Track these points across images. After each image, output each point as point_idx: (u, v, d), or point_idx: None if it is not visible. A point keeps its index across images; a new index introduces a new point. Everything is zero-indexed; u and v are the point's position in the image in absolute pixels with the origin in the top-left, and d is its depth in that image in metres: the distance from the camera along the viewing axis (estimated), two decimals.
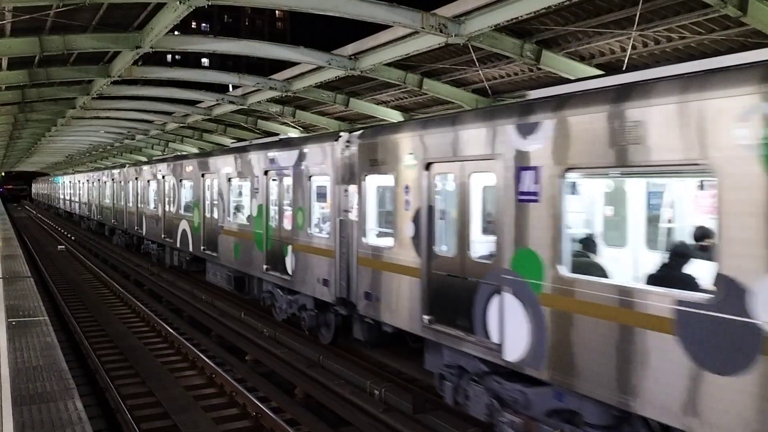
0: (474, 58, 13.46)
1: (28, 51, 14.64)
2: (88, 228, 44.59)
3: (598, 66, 13.39)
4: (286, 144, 14.31)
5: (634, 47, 11.82)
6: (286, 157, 13.78)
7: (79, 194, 48.12)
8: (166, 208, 23.19)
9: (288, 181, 13.84)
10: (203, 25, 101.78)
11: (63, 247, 33.05)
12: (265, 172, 14.65)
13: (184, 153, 29.99)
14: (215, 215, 18.18)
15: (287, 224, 13.89)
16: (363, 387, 10.61)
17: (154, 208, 25.16)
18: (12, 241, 25.48)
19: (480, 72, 14.59)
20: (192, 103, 25.49)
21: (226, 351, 13.68)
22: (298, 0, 11.88)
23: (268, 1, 12.59)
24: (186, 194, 21.52)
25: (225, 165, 17.34)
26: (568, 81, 9.61)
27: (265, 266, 14.59)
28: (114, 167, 36.37)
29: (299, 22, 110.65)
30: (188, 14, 12.10)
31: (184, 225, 20.96)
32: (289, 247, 13.53)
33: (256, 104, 22.05)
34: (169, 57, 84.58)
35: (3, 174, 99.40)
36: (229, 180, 17.04)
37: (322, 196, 12.99)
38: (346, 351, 12.83)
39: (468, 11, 11.85)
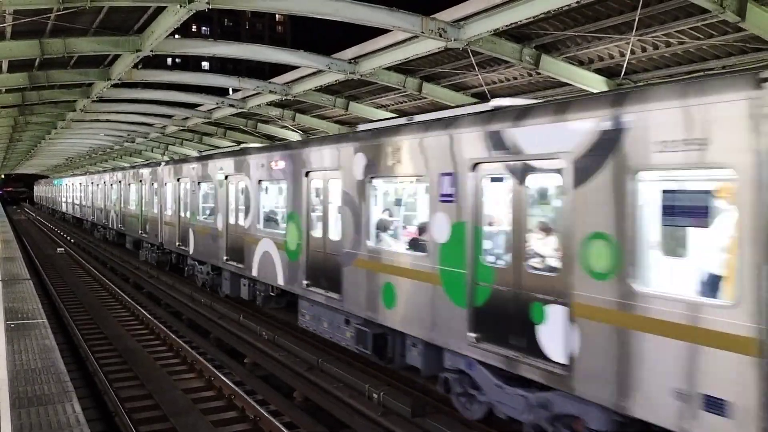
0: (473, 62, 13.49)
1: (29, 54, 14.67)
2: (103, 238, 38.08)
3: (597, 71, 13.44)
4: (546, 111, 7.68)
5: (633, 52, 11.86)
6: (553, 135, 7.37)
7: (92, 198, 41.07)
8: (232, 221, 16.98)
9: (552, 181, 7.78)
10: (203, 28, 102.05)
11: (62, 249, 33.07)
12: (473, 166, 8.48)
13: (267, 144, 22.56)
14: (334, 236, 11.96)
15: (549, 265, 7.79)
16: (362, 390, 10.61)
17: (210, 219, 18.75)
18: (11, 243, 25.46)
19: (479, 76, 14.62)
20: (192, 106, 25.51)
21: (225, 354, 13.69)
22: (298, 4, 11.92)
23: (267, 4, 12.63)
24: (272, 202, 15.98)
25: (358, 157, 11.01)
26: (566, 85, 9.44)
27: (472, 334, 8.48)
28: (143, 165, 29.62)
29: (299, 26, 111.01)
30: (188, 18, 12.12)
31: (266, 246, 14.64)
32: (558, 310, 7.27)
33: (256, 107, 22.09)
34: (169, 60, 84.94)
35: (3, 176, 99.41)
36: (371, 180, 10.77)
37: (682, 213, 6.32)
38: (345, 354, 12.82)
39: (467, 16, 11.89)
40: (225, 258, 17.21)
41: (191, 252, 20.39)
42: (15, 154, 53.40)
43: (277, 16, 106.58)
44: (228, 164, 17.27)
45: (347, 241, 11.31)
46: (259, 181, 15.26)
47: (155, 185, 25.09)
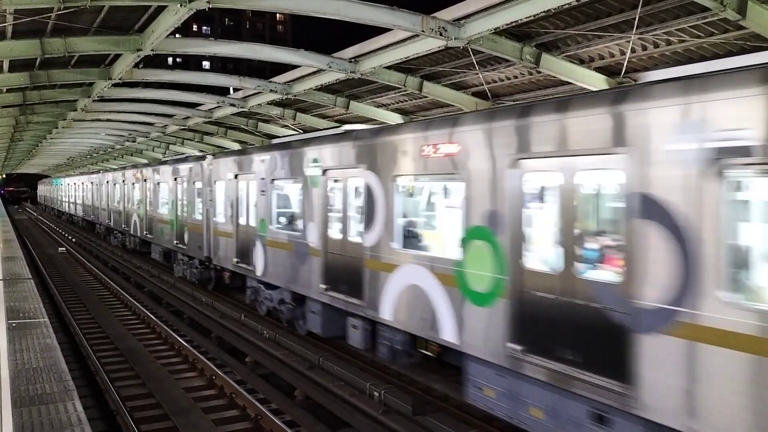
0: (474, 61, 13.48)
1: (30, 53, 14.68)
2: (121, 245, 33.31)
3: (597, 69, 13.43)
4: None
5: (633, 50, 11.86)
6: None
7: (107, 199, 36.44)
8: (335, 234, 12.39)
9: None
10: (204, 28, 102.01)
11: (64, 249, 33.10)
12: None
13: (409, 120, 18.21)
14: (599, 275, 7.11)
15: None
16: (363, 389, 10.63)
17: (293, 230, 14.24)
18: (13, 243, 25.47)
19: (480, 75, 14.62)
20: (193, 105, 25.51)
21: (227, 353, 13.71)
22: (299, 3, 11.91)
23: (268, 4, 12.62)
24: (424, 209, 11.38)
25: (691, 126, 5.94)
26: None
27: None
28: (179, 160, 24.51)
29: (300, 25, 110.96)
30: (189, 17, 12.13)
31: (412, 276, 9.94)
32: None
33: (256, 107, 22.09)
34: (170, 60, 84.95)
35: (4, 176, 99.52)
36: (728, 169, 5.69)
37: None
38: (346, 353, 12.83)
39: (468, 14, 11.88)
40: (323, 286, 12.51)
41: (258, 272, 15.49)
42: (16, 154, 53.44)
43: (277, 15, 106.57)
44: (329, 153, 12.58)
45: (649, 288, 6.28)
46: (395, 177, 10.46)
47: (197, 184, 20.45)
